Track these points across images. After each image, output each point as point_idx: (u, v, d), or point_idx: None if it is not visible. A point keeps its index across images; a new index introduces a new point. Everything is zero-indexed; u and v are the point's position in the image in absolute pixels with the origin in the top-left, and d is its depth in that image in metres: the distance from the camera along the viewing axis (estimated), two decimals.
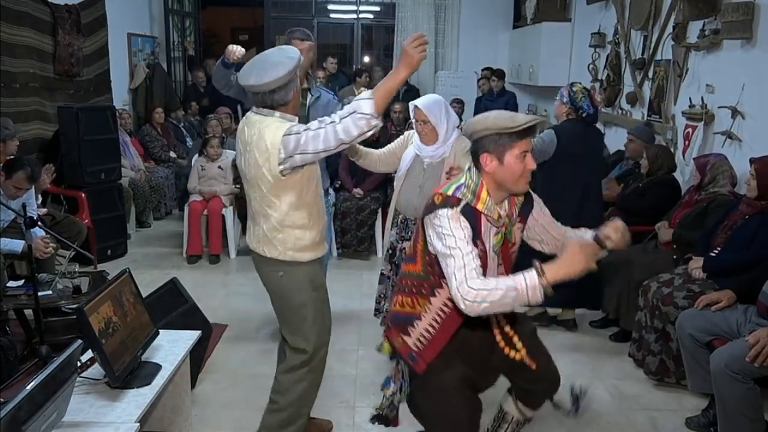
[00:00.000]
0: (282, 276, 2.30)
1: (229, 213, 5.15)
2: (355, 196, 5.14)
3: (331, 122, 2.06)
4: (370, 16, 8.96)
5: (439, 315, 1.95)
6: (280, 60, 2.13)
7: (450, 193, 1.89)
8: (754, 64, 3.60)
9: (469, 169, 1.95)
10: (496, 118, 1.86)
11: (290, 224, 2.23)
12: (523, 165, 1.86)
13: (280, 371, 2.43)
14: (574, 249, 1.75)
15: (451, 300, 1.86)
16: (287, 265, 2.28)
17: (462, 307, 1.76)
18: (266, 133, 2.12)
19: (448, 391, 1.97)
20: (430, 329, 1.97)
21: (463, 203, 1.85)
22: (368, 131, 2.06)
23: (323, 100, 3.09)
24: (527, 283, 1.71)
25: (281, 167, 2.11)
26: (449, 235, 1.81)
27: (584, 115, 3.56)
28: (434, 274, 1.92)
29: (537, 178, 3.57)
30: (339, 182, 5.36)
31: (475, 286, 1.73)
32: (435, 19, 8.30)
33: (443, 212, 1.84)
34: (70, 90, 5.66)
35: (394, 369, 2.16)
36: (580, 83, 3.72)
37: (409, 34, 9.20)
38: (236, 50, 2.82)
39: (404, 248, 3.20)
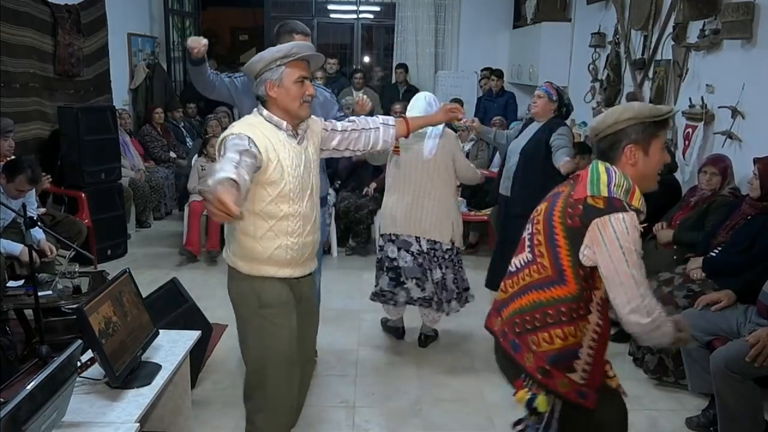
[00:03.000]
0: (231, 285, 2.15)
1: None
2: (368, 194, 5.19)
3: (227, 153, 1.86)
4: (370, 16, 8.96)
5: (596, 332, 1.73)
6: (262, 52, 2.05)
7: (605, 193, 1.67)
8: (754, 64, 3.59)
9: (594, 166, 1.76)
10: (641, 107, 1.74)
11: (239, 228, 2.07)
12: (664, 157, 1.77)
13: None
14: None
15: (602, 311, 1.71)
16: (232, 271, 2.13)
17: (637, 326, 1.63)
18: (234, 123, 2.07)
19: (619, 399, 1.85)
20: (591, 352, 1.72)
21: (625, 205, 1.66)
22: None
23: (320, 99, 3.05)
24: (671, 329, 1.66)
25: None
26: (631, 246, 1.62)
27: (565, 112, 3.74)
28: (588, 289, 1.70)
29: (539, 174, 3.68)
30: (339, 182, 5.38)
31: (656, 303, 1.63)
32: (435, 19, 8.29)
33: (621, 217, 1.63)
34: (70, 90, 5.66)
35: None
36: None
37: (410, 34, 9.17)
38: (196, 43, 2.62)
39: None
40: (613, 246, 1.62)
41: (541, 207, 1.85)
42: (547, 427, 1.76)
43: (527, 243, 1.84)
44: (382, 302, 3.56)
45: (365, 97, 2.92)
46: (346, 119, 2.40)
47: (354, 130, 2.31)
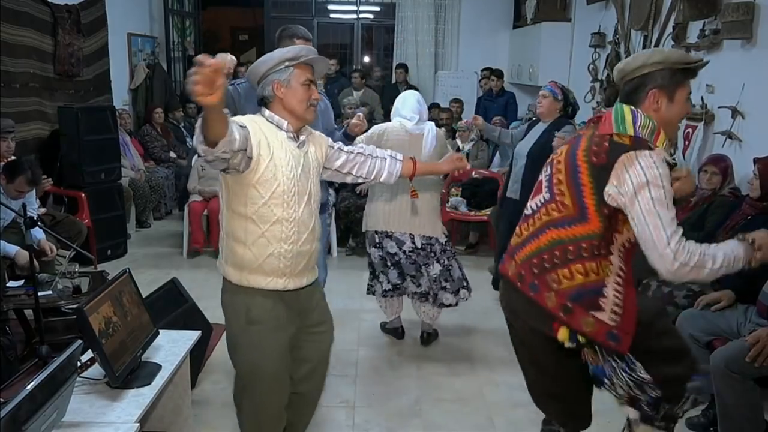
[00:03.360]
0: (223, 297, 2.10)
1: None
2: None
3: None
4: (370, 16, 8.96)
5: (620, 276, 1.68)
6: (267, 54, 2.03)
7: (631, 132, 1.65)
8: (754, 64, 3.59)
9: (620, 110, 1.73)
10: (670, 53, 1.72)
11: (230, 232, 2.00)
12: (687, 107, 1.76)
13: None
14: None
15: (625, 256, 1.68)
16: (223, 280, 2.07)
17: (669, 267, 1.57)
18: None
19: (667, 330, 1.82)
20: (619, 294, 1.67)
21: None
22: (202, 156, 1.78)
23: (321, 106, 3.04)
24: (735, 255, 1.62)
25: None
26: (659, 181, 1.58)
27: (571, 111, 3.77)
28: (611, 229, 1.66)
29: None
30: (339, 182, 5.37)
31: (693, 248, 1.57)
32: (435, 19, 8.29)
33: (648, 153, 1.61)
34: (70, 90, 5.66)
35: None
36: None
37: (410, 34, 9.17)
38: (226, 62, 2.43)
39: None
40: (639, 182, 1.59)
41: (562, 149, 1.83)
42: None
43: (545, 184, 1.81)
44: (397, 295, 3.55)
45: (362, 115, 2.91)
46: (355, 144, 2.41)
47: (360, 154, 2.27)
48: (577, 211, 1.70)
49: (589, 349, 1.73)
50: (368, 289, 3.60)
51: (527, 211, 1.86)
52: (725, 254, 1.61)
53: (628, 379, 1.71)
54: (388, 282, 3.50)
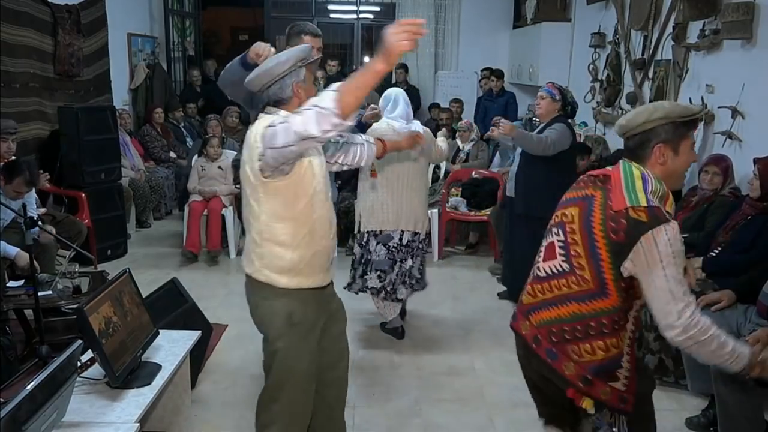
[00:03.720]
0: (260, 302, 2.05)
1: (229, 213, 5.15)
2: None
3: (303, 110, 1.79)
4: (370, 16, 8.96)
5: (630, 338, 1.73)
6: (279, 55, 2.00)
7: (644, 202, 1.65)
8: (754, 64, 3.59)
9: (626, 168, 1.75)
10: (673, 107, 1.74)
11: (270, 237, 1.97)
12: (692, 156, 1.77)
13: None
14: None
15: (637, 317, 1.72)
16: (261, 286, 2.03)
17: (675, 337, 1.61)
18: (254, 127, 1.93)
19: (651, 402, 1.87)
20: (629, 358, 1.73)
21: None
22: (330, 131, 1.74)
23: None
24: (740, 352, 1.63)
25: (259, 164, 1.88)
26: (671, 259, 1.60)
27: (570, 111, 3.83)
28: (629, 299, 1.70)
29: (541, 174, 3.72)
30: (339, 182, 5.37)
31: (705, 325, 1.59)
32: (435, 19, 8.29)
33: (664, 230, 1.62)
34: (70, 90, 5.66)
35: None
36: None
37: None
38: (265, 50, 2.37)
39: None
40: (656, 261, 1.61)
41: (572, 212, 1.81)
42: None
43: (560, 251, 1.80)
44: (382, 298, 3.58)
45: (375, 105, 2.94)
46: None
47: (345, 142, 2.34)
48: (597, 286, 1.71)
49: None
50: (348, 286, 3.63)
51: (540, 273, 1.85)
52: (733, 347, 1.63)
53: None
54: (376, 284, 3.54)
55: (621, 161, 1.81)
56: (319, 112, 1.72)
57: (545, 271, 1.83)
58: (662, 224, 1.62)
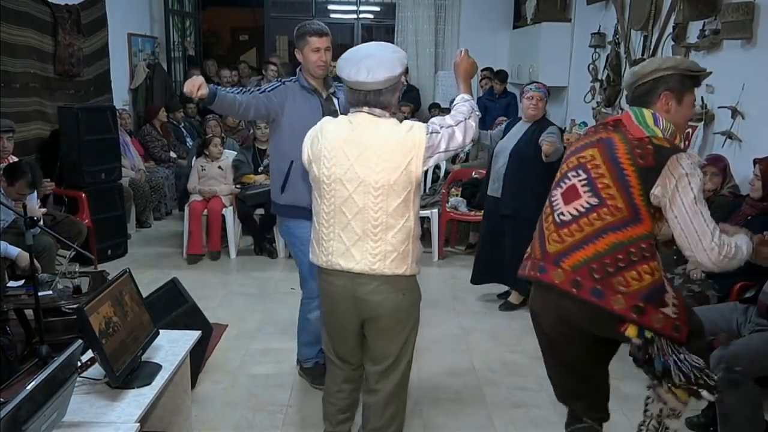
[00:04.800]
0: (403, 296, 2.09)
1: (229, 213, 5.15)
2: None
3: (459, 121, 2.08)
4: (370, 16, 8.96)
5: (661, 267, 1.82)
6: (395, 57, 2.02)
7: (660, 134, 1.81)
8: (754, 64, 3.60)
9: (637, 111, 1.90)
10: (681, 60, 1.93)
11: (416, 234, 2.08)
12: (692, 111, 1.95)
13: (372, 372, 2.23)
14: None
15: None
16: (408, 280, 2.09)
17: (715, 260, 1.74)
18: (399, 134, 1.98)
19: (704, 338, 2.00)
20: (670, 287, 1.82)
21: None
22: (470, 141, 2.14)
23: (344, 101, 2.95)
24: (748, 246, 1.79)
25: (424, 167, 1.99)
26: (700, 183, 1.75)
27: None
28: (656, 227, 1.82)
29: (531, 175, 3.75)
30: None
31: (728, 240, 1.75)
32: (435, 19, 8.29)
33: (687, 156, 1.77)
34: (70, 90, 5.66)
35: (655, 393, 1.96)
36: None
37: (410, 34, 9.16)
38: (190, 87, 2.37)
39: None
40: (684, 182, 1.73)
41: (590, 153, 1.89)
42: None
43: (585, 188, 1.85)
44: None
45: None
46: None
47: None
48: (631, 213, 1.77)
49: (658, 343, 1.81)
50: None
51: (564, 217, 1.87)
52: (747, 245, 1.79)
53: (691, 367, 1.81)
54: None
55: (629, 108, 1.93)
56: (470, 125, 2.09)
57: (570, 214, 1.87)
58: (682, 151, 1.77)
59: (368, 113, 2.02)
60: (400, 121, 2.07)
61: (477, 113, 2.15)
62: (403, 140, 1.98)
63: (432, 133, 2.01)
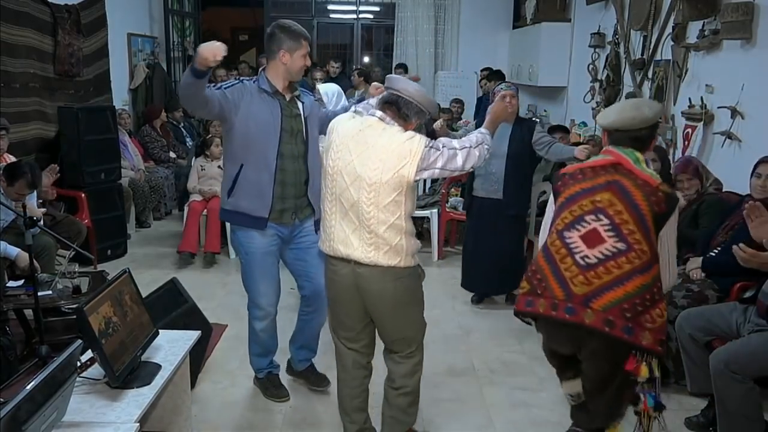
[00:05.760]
0: (401, 284, 2.26)
1: None
2: None
3: (465, 147, 2.22)
4: (370, 16, 8.96)
5: None
6: (433, 102, 2.34)
7: (659, 179, 2.05)
8: (753, 64, 3.60)
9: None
10: (658, 104, 2.38)
11: (408, 231, 2.22)
12: None
13: (396, 361, 2.46)
14: None
15: None
16: (404, 270, 2.24)
17: (675, 283, 2.32)
18: (399, 141, 2.15)
19: None
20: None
21: None
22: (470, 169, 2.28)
23: (309, 106, 2.80)
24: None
25: (416, 177, 2.15)
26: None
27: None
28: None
29: (528, 174, 3.94)
30: None
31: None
32: (435, 19, 8.30)
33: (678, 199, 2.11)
34: (70, 90, 5.66)
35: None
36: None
37: (409, 34, 9.15)
38: (213, 51, 2.24)
39: None
40: (674, 227, 2.01)
41: (605, 197, 2.02)
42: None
43: (609, 233, 1.99)
44: None
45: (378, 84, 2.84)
46: None
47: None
48: (652, 255, 1.98)
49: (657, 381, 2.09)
50: None
51: (590, 260, 2.01)
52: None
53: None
54: None
55: (617, 148, 2.08)
56: (473, 153, 2.21)
57: (596, 257, 1.99)
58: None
59: (380, 119, 2.21)
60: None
61: (487, 146, 2.28)
62: (401, 146, 2.14)
63: (431, 148, 2.16)
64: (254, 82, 2.69)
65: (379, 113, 2.22)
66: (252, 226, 2.69)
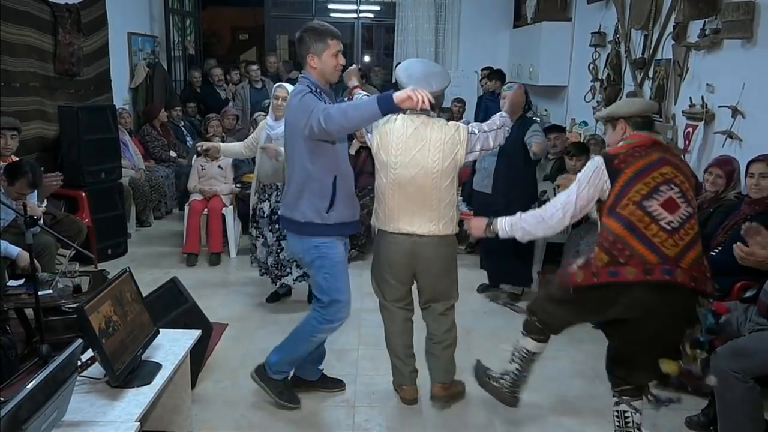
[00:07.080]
0: (449, 248, 2.79)
1: (229, 212, 5.15)
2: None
3: (493, 129, 2.68)
4: (371, 15, 8.96)
5: None
6: (443, 71, 2.78)
7: None
8: (754, 64, 3.59)
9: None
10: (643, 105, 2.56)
11: (456, 203, 2.76)
12: None
13: (437, 319, 2.94)
14: None
15: None
16: (452, 237, 2.78)
17: None
18: (450, 132, 2.63)
19: None
20: None
21: None
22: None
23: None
24: None
25: (465, 159, 2.65)
26: None
27: (527, 109, 4.10)
28: None
29: (522, 171, 3.97)
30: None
31: None
32: (435, 19, 8.30)
33: None
34: (70, 89, 5.65)
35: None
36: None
37: (410, 33, 9.16)
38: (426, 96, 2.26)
39: (262, 208, 4.03)
40: None
41: (667, 170, 2.26)
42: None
43: (681, 200, 2.24)
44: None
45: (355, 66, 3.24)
46: None
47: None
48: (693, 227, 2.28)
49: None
50: None
51: (673, 224, 2.23)
52: None
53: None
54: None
55: (644, 131, 2.37)
56: (499, 134, 2.71)
57: (677, 221, 2.23)
58: None
59: (426, 115, 2.62)
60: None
61: (508, 128, 2.74)
62: (453, 137, 2.63)
63: (471, 134, 2.65)
64: (319, 91, 2.56)
65: (423, 111, 2.53)
66: (351, 233, 2.95)
